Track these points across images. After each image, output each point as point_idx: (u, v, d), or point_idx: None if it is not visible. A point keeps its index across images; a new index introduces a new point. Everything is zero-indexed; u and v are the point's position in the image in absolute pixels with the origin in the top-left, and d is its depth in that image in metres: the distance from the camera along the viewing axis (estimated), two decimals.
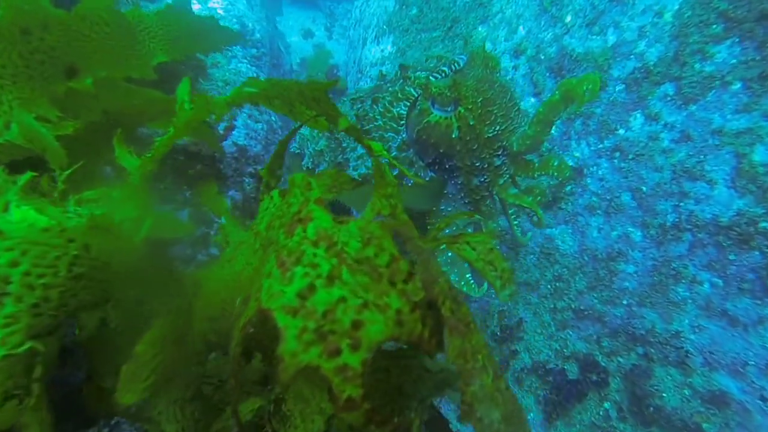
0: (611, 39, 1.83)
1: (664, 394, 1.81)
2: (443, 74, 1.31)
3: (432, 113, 1.25)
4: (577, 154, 1.94)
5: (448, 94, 1.20)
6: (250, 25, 2.71)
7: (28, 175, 0.53)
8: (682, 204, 1.69)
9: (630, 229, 1.81)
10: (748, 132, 1.57)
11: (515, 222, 1.29)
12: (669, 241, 1.73)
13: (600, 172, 1.87)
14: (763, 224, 1.55)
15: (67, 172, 0.80)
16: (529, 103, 2.13)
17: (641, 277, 1.81)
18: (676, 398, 1.79)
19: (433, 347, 0.40)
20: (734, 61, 1.57)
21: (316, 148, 1.61)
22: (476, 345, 0.38)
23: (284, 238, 0.43)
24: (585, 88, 1.03)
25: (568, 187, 1.95)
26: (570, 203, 1.96)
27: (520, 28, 2.19)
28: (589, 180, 1.90)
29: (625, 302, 1.86)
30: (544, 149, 2.04)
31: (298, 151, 1.83)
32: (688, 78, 1.64)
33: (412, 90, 1.33)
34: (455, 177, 1.32)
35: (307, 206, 0.42)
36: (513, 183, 1.30)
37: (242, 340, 0.39)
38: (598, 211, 1.88)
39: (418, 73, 1.35)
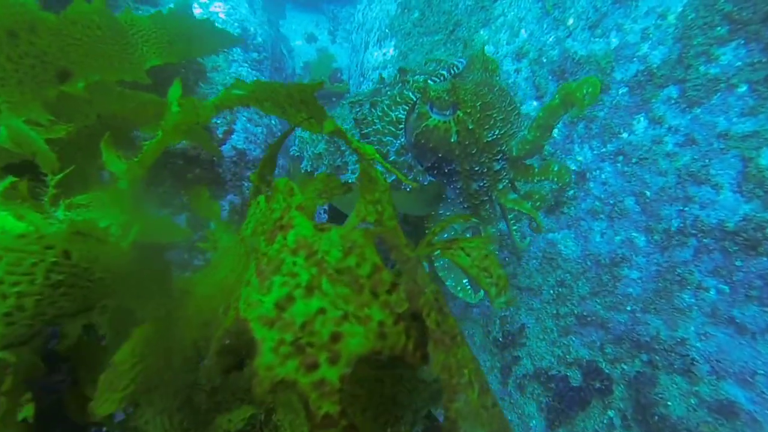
0: (614, 42, 1.81)
1: (669, 403, 1.77)
2: (442, 78, 1.29)
3: (430, 117, 1.24)
4: (580, 158, 1.92)
5: (447, 97, 1.19)
6: (251, 29, 2.72)
7: (8, 180, 0.52)
8: (686, 209, 1.66)
9: (634, 234, 1.78)
10: (755, 135, 1.54)
11: (515, 227, 1.27)
12: (674, 247, 1.70)
13: (603, 176, 1.84)
14: None
15: (58, 177, 0.79)
16: (531, 107, 2.11)
17: (645, 282, 1.78)
18: (681, 407, 1.76)
19: (418, 360, 0.38)
20: (740, 63, 1.54)
21: (315, 151, 1.60)
22: (462, 359, 0.37)
23: (265, 246, 0.42)
24: (585, 91, 1.01)
25: (571, 192, 1.93)
26: (573, 207, 1.94)
27: (522, 31, 2.18)
28: (592, 184, 1.87)
29: (628, 308, 1.83)
30: (546, 153, 2.02)
31: (298, 154, 1.82)
32: (693, 81, 1.61)
33: (410, 94, 1.32)
34: (454, 181, 1.31)
35: (288, 213, 0.41)
36: (512, 188, 1.28)
37: (219, 351, 0.37)
38: (602, 216, 1.85)
39: (417, 76, 1.33)
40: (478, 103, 1.20)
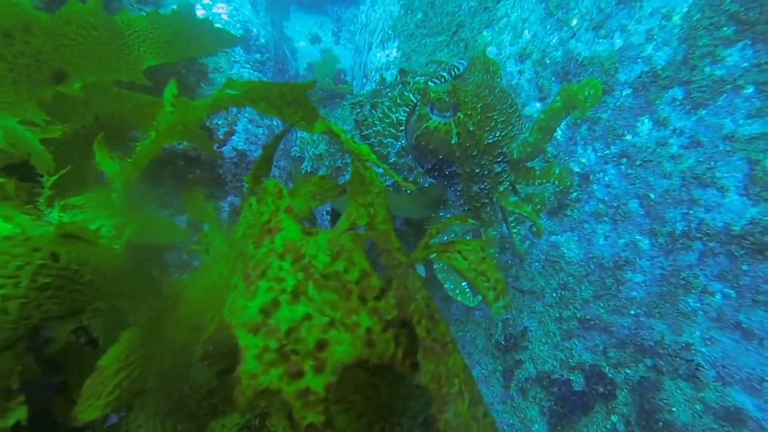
0: (618, 42, 1.79)
1: (674, 409, 1.75)
2: (442, 79, 1.28)
3: (431, 119, 1.23)
4: (584, 160, 1.90)
5: (447, 99, 1.18)
6: (254, 30, 2.72)
7: None
8: (691, 212, 1.63)
9: (637, 237, 1.76)
10: (762, 137, 1.51)
11: (515, 230, 1.26)
12: (678, 250, 1.67)
13: (606, 179, 1.82)
14: None
15: (54, 178, 0.78)
16: (534, 108, 2.09)
17: (649, 286, 1.76)
18: (686, 413, 1.73)
19: (408, 369, 0.37)
20: (746, 64, 1.52)
21: (316, 152, 1.59)
22: (452, 368, 0.35)
23: (253, 249, 0.41)
24: (586, 93, 1.00)
25: (574, 194, 1.91)
26: (576, 210, 1.92)
27: (526, 32, 2.16)
28: (595, 186, 1.85)
29: (632, 312, 1.80)
30: (549, 155, 2.00)
31: (299, 154, 1.82)
32: (698, 82, 1.59)
33: (411, 95, 1.31)
34: (455, 183, 1.29)
35: (276, 216, 0.40)
36: (513, 190, 1.26)
37: (202, 358, 0.36)
38: (605, 219, 1.83)
39: (418, 78, 1.32)
40: (479, 105, 1.18)
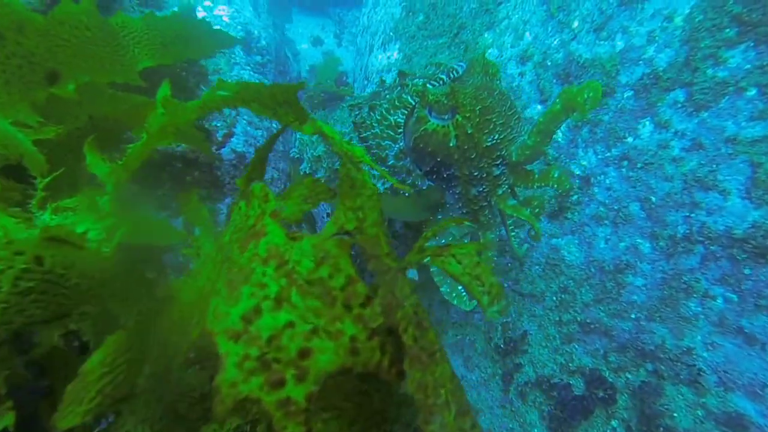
0: (619, 44, 1.77)
1: (675, 414, 1.73)
2: (441, 82, 1.27)
3: (429, 121, 1.22)
4: (584, 163, 1.88)
5: (445, 101, 1.17)
6: (255, 32, 2.72)
7: None
8: (693, 215, 1.62)
9: (638, 240, 1.74)
10: (765, 140, 1.50)
11: (513, 233, 1.25)
12: (679, 254, 1.66)
13: (607, 181, 1.80)
14: None
15: (46, 180, 0.78)
16: (535, 111, 2.08)
17: (650, 290, 1.74)
18: (688, 419, 1.71)
19: (394, 378, 0.36)
20: (749, 66, 1.51)
21: (315, 154, 1.59)
22: (440, 378, 0.34)
23: (238, 254, 0.40)
24: (586, 96, 0.98)
25: (575, 197, 1.89)
26: (576, 213, 1.90)
27: (527, 34, 2.15)
28: (596, 189, 1.84)
29: (633, 316, 1.79)
30: (550, 157, 1.99)
31: (298, 156, 1.81)
32: (700, 84, 1.58)
33: (409, 98, 1.30)
34: (453, 186, 1.28)
35: (262, 220, 0.39)
36: (512, 193, 1.25)
37: (184, 365, 0.36)
38: (606, 222, 1.82)
39: (416, 80, 1.32)
40: (478, 108, 1.18)
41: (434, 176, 1.31)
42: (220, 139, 1.73)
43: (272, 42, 3.04)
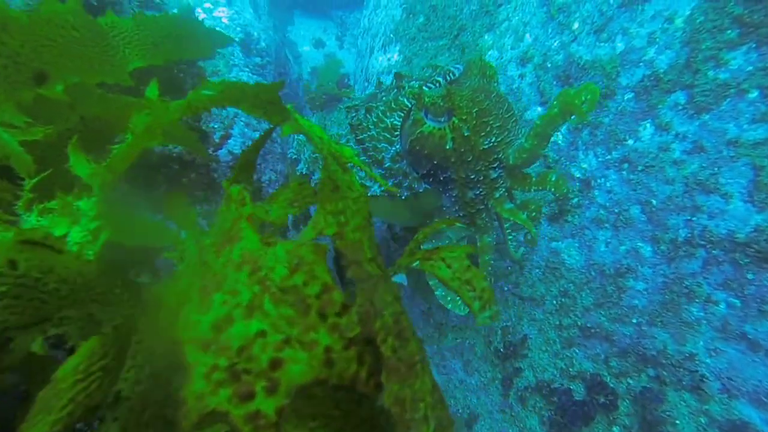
0: (620, 46, 1.76)
1: (677, 421, 1.70)
2: (437, 84, 1.26)
3: (425, 123, 1.21)
4: (585, 165, 1.86)
5: (442, 103, 1.15)
6: (255, 34, 2.72)
7: None
8: (694, 218, 1.59)
9: (639, 243, 1.72)
10: (767, 143, 1.48)
11: (511, 236, 1.23)
12: (681, 258, 1.63)
13: (608, 184, 1.78)
14: None
15: (33, 181, 0.77)
16: (535, 113, 2.06)
17: (651, 294, 1.71)
18: (690, 426, 1.68)
19: (372, 390, 0.34)
20: (751, 68, 1.49)
21: (312, 155, 1.58)
22: (419, 391, 0.33)
23: (213, 259, 0.38)
24: (583, 98, 0.97)
25: (575, 200, 1.88)
26: (577, 216, 1.88)
27: (527, 35, 2.14)
28: (596, 192, 1.82)
29: (634, 321, 1.76)
30: (550, 160, 1.97)
31: (295, 156, 1.80)
32: (701, 86, 1.56)
33: (405, 100, 1.29)
34: (450, 189, 1.27)
35: (237, 224, 0.38)
36: (509, 196, 1.23)
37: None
38: (606, 225, 1.80)
39: (412, 82, 1.30)
40: (474, 110, 1.16)
41: (431, 179, 1.29)
42: (217, 140, 1.72)
43: (272, 44, 3.04)
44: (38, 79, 0.73)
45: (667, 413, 1.72)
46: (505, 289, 2.07)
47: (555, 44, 2.00)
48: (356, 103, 1.47)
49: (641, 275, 1.73)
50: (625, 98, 1.74)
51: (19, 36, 0.65)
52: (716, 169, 1.54)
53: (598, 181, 1.81)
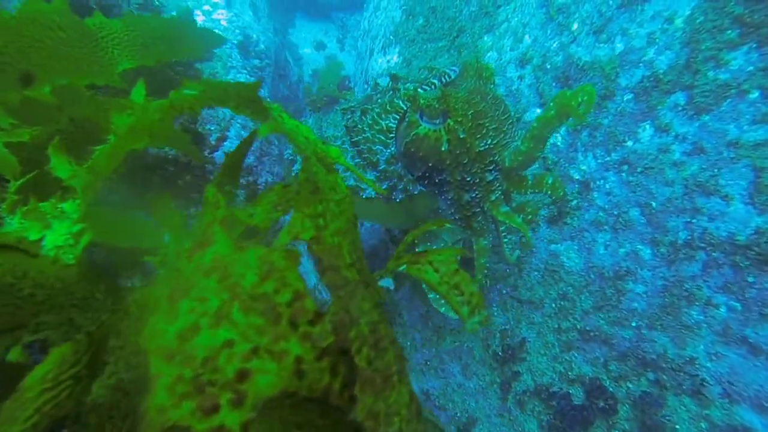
0: (619, 47, 1.74)
1: (677, 426, 1.68)
2: (433, 86, 1.25)
3: (420, 125, 1.19)
4: (584, 167, 1.85)
5: (437, 105, 1.14)
6: (254, 36, 2.71)
7: None
8: (694, 221, 1.57)
9: (639, 246, 1.70)
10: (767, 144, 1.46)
11: (507, 239, 1.21)
12: (681, 260, 1.61)
13: (607, 186, 1.77)
14: None
15: (18, 183, 0.76)
16: (535, 114, 2.05)
17: (651, 297, 1.69)
18: (691, 431, 1.66)
19: (346, 402, 0.33)
20: (751, 68, 1.47)
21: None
22: (394, 404, 0.31)
23: (185, 264, 0.37)
24: (580, 100, 0.95)
25: (574, 202, 1.86)
26: (576, 218, 1.86)
27: (526, 36, 2.13)
28: (595, 194, 1.80)
29: (633, 324, 1.74)
30: (549, 162, 1.95)
31: (292, 157, 1.79)
32: (701, 86, 1.54)
33: (400, 102, 1.27)
34: (446, 192, 1.25)
35: (210, 228, 0.36)
36: (506, 199, 1.22)
37: (113, 388, 0.33)
38: (605, 227, 1.78)
39: (408, 85, 1.29)
40: (470, 112, 1.15)
41: (426, 181, 1.28)
42: (213, 142, 1.72)
43: (271, 46, 3.03)
44: (24, 81, 0.72)
45: (668, 418, 1.69)
46: (504, 292, 2.05)
47: (554, 45, 1.98)
48: (352, 104, 1.46)
49: (641, 278, 1.71)
50: (625, 99, 1.72)
51: (3, 36, 0.64)
52: (716, 170, 1.53)
53: (598, 183, 1.79)
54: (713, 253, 1.55)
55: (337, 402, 0.33)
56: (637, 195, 1.69)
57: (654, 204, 1.65)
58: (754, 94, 1.46)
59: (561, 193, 1.12)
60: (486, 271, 1.29)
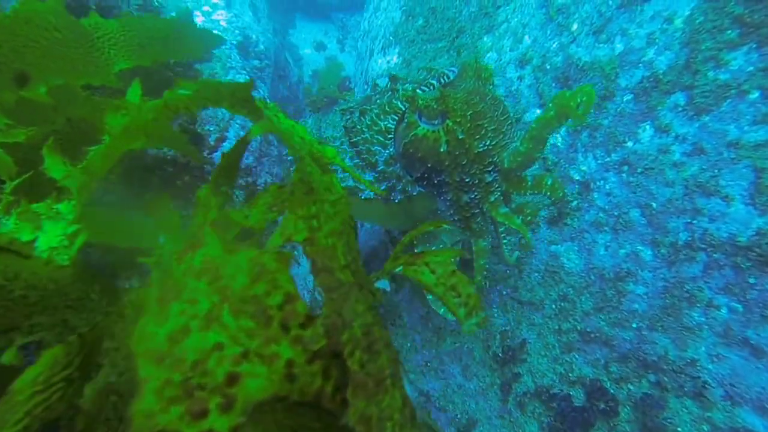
0: (619, 47, 1.74)
1: (679, 429, 1.67)
2: (431, 87, 1.24)
3: (419, 126, 1.19)
4: (584, 168, 1.84)
5: (435, 106, 1.14)
6: (254, 36, 2.71)
7: None
8: (695, 222, 1.57)
9: (639, 247, 1.69)
10: None
11: (506, 240, 1.21)
12: (681, 261, 1.60)
13: (607, 187, 1.76)
14: None
15: (14, 183, 0.76)
16: (534, 115, 2.05)
17: (651, 299, 1.69)
18: None
19: (338, 406, 0.32)
20: (751, 68, 1.46)
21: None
22: (387, 408, 0.31)
23: (176, 266, 0.37)
24: (579, 100, 0.95)
25: (574, 203, 1.85)
26: (576, 219, 1.86)
27: (526, 37, 2.13)
28: (595, 195, 1.80)
29: (634, 325, 1.73)
30: (550, 162, 1.95)
31: (292, 158, 1.79)
32: (701, 87, 1.53)
33: (399, 103, 1.27)
34: (444, 193, 1.25)
35: (202, 229, 0.36)
36: (505, 200, 1.21)
37: (101, 391, 0.32)
38: (606, 228, 1.77)
39: (406, 85, 1.29)
40: (469, 113, 1.14)
41: (425, 182, 1.27)
42: (212, 143, 1.71)
43: (271, 46, 3.03)
44: (20, 81, 0.72)
45: (669, 420, 1.68)
46: (504, 293, 2.04)
47: (554, 46, 1.98)
48: (351, 105, 1.46)
49: (641, 279, 1.70)
50: (624, 100, 1.72)
51: None
52: (717, 171, 1.52)
53: (598, 183, 1.79)
54: (714, 255, 1.54)
55: (330, 406, 0.32)
56: (637, 196, 1.68)
57: (654, 205, 1.64)
58: (755, 95, 1.45)
59: (560, 194, 1.11)
60: (486, 273, 1.28)
